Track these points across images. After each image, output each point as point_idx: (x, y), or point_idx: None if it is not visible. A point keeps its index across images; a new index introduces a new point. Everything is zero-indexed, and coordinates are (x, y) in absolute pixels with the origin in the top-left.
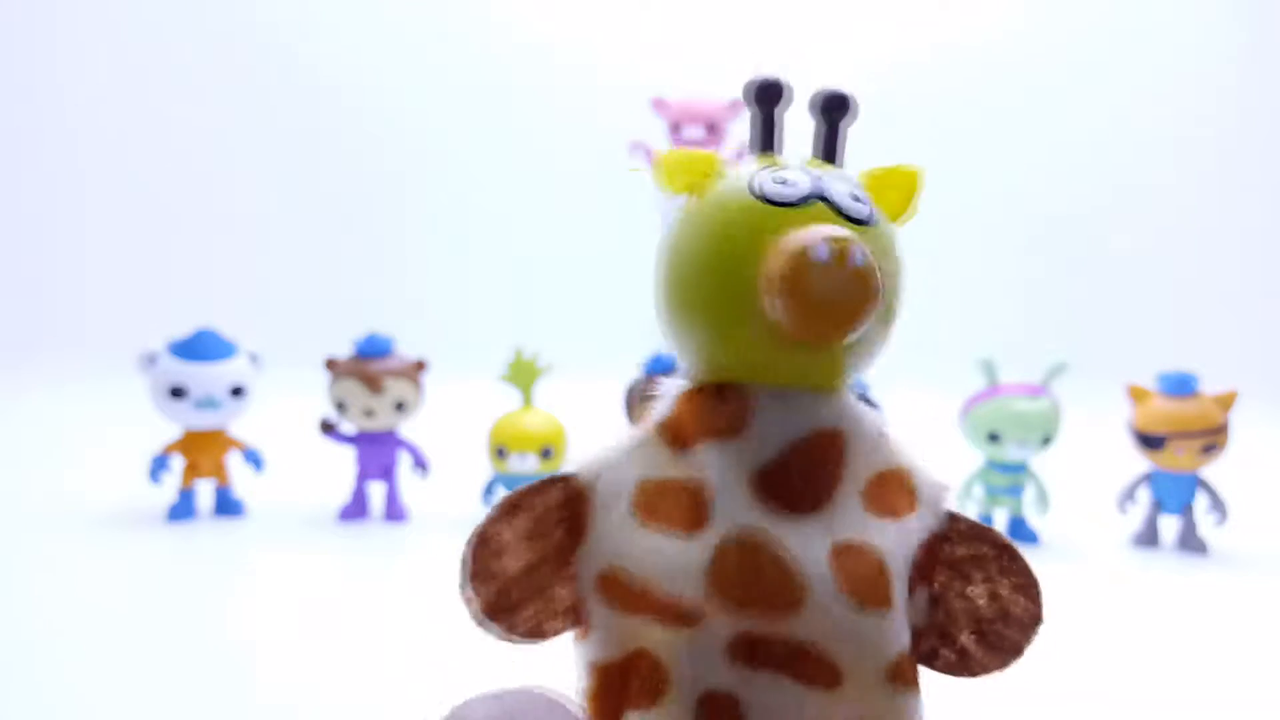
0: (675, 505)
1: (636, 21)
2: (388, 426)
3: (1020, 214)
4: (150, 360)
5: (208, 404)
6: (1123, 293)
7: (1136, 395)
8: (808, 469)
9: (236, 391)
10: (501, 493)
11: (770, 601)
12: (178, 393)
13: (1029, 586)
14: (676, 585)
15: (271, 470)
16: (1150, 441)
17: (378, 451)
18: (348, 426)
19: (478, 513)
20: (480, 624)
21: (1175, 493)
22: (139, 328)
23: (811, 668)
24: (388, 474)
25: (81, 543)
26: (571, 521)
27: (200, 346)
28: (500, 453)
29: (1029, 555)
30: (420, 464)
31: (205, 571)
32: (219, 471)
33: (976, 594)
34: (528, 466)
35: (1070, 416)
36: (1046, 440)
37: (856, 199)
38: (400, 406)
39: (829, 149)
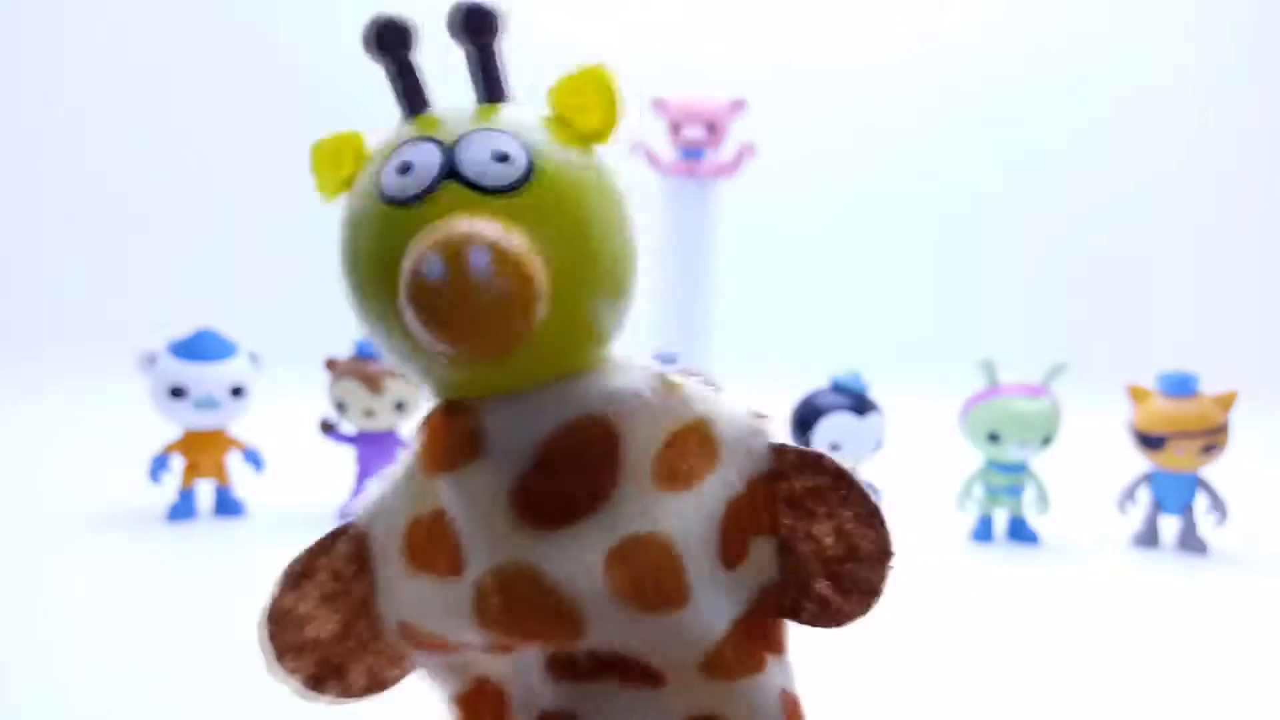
0: (436, 545)
1: (636, 22)
2: (388, 426)
3: (1020, 214)
4: (150, 360)
5: (208, 404)
6: (1123, 293)
7: (1136, 395)
8: (566, 472)
9: (236, 391)
10: None
11: (545, 630)
12: (178, 393)
13: (871, 515)
14: (455, 631)
15: (271, 470)
16: (1150, 441)
17: (378, 451)
18: (348, 426)
19: None
20: (309, 694)
21: (1175, 493)
22: (139, 328)
23: (630, 671)
24: None
25: (81, 543)
26: (363, 573)
27: (200, 346)
28: None
29: (1030, 555)
30: None
31: (205, 571)
32: (219, 471)
33: (821, 532)
34: None
35: (1070, 416)
36: (1046, 440)
37: (501, 156)
38: (400, 406)
39: (486, 82)
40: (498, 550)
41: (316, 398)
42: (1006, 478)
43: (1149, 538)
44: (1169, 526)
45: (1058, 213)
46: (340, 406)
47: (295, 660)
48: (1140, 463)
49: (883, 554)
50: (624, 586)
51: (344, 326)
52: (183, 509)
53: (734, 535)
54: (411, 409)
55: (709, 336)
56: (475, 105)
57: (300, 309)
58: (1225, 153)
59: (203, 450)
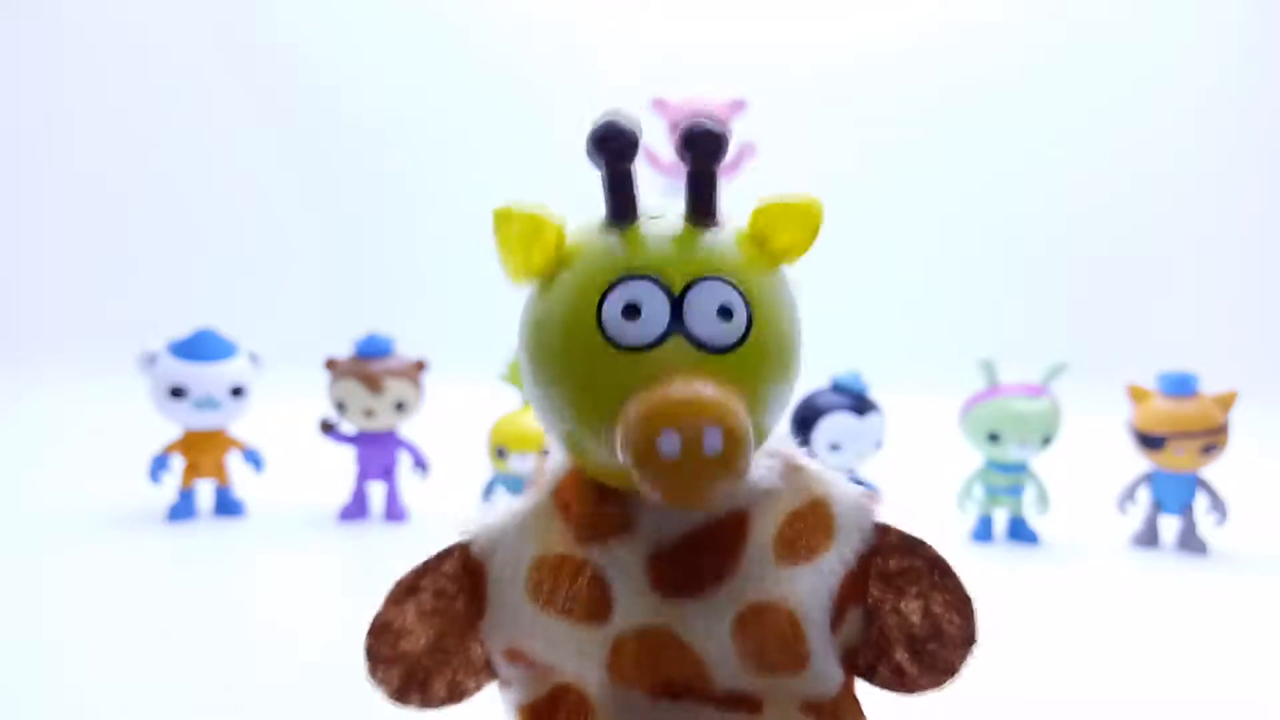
0: (573, 590)
1: (636, 21)
2: (388, 426)
3: (1020, 214)
4: (150, 360)
5: (208, 404)
6: (1123, 293)
7: (1136, 395)
8: (704, 552)
9: (236, 391)
10: (502, 493)
11: (674, 683)
12: (178, 393)
13: (962, 604)
14: (579, 669)
15: (271, 470)
16: (1150, 441)
17: (378, 451)
18: (348, 426)
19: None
20: (395, 703)
21: (1175, 493)
22: (139, 328)
23: (733, 699)
24: (388, 474)
25: (81, 543)
26: (472, 591)
27: (200, 346)
28: (500, 453)
29: (1030, 555)
30: (420, 464)
31: (205, 571)
32: (219, 471)
33: (909, 609)
34: (528, 466)
35: (1070, 416)
36: (1046, 440)
37: (726, 311)
38: (400, 406)
39: (702, 206)
40: (638, 611)
41: (316, 398)
42: (1006, 478)
43: (1149, 538)
44: (1169, 526)
45: (1057, 212)
46: (340, 406)
47: (385, 672)
48: (1140, 463)
49: (967, 639)
50: (750, 649)
51: (344, 326)
52: (183, 509)
53: (840, 604)
54: (411, 409)
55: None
56: (679, 224)
57: (300, 309)
58: (1225, 153)
59: (203, 450)
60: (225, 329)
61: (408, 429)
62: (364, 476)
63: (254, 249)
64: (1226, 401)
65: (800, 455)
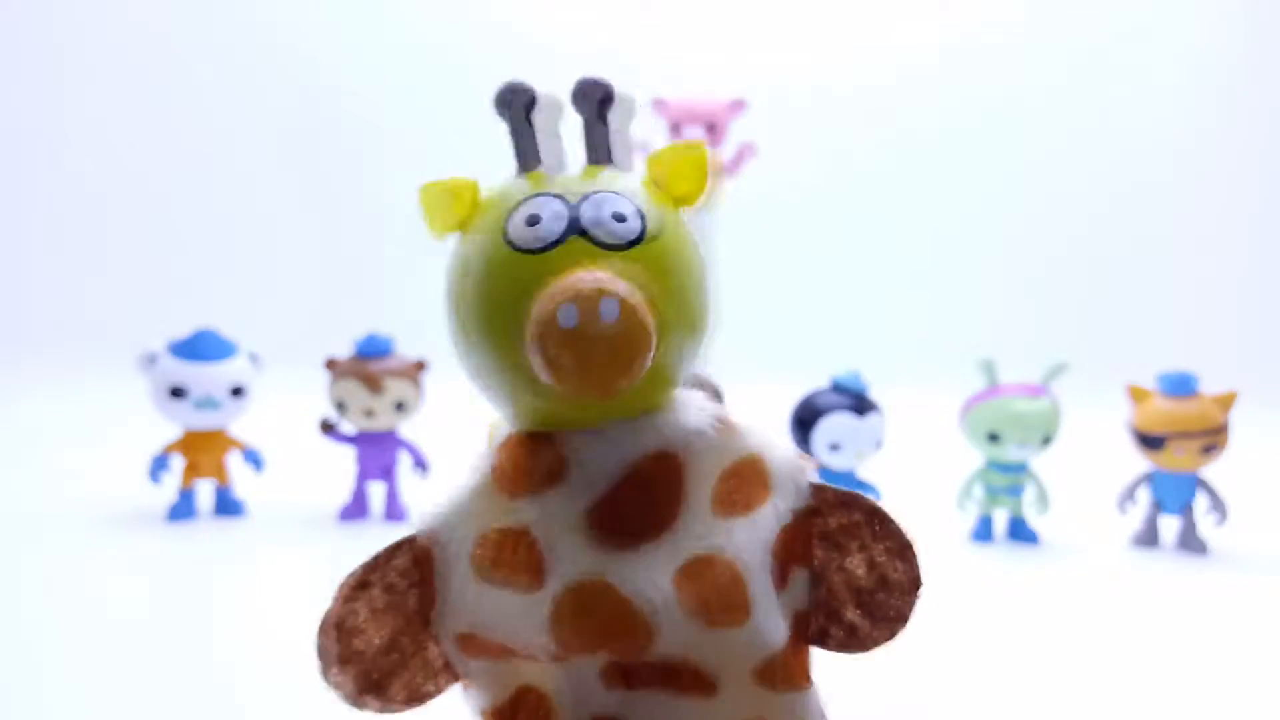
0: (513, 558)
1: (636, 21)
2: (388, 426)
3: (1020, 214)
4: (150, 360)
5: (208, 404)
6: (1123, 293)
7: (1136, 395)
8: (640, 498)
9: (236, 391)
10: None
11: (617, 641)
12: (178, 393)
13: (904, 549)
14: (527, 639)
15: (271, 470)
16: (1150, 441)
17: (378, 451)
18: (348, 426)
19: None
20: (353, 706)
21: (1175, 493)
22: (139, 328)
23: (684, 679)
24: (388, 474)
25: (81, 543)
26: (422, 585)
27: (200, 346)
28: None
29: (1030, 555)
30: (420, 464)
31: (205, 571)
32: (219, 471)
33: (854, 564)
34: None
35: (1070, 416)
36: (1046, 440)
37: (620, 217)
38: (400, 406)
39: (596, 149)
40: (576, 566)
41: (316, 398)
42: (1006, 478)
43: (1149, 538)
44: (1169, 526)
45: (1058, 213)
46: (340, 406)
47: (340, 673)
48: (1140, 463)
49: (913, 583)
50: (692, 601)
51: (344, 326)
52: (183, 509)
53: (781, 561)
54: (411, 409)
55: (712, 334)
56: (583, 167)
57: (300, 309)
58: (1225, 153)
59: (203, 450)
60: (225, 329)
61: (408, 429)
62: (364, 476)
63: (254, 249)
64: (1226, 401)
65: (733, 414)
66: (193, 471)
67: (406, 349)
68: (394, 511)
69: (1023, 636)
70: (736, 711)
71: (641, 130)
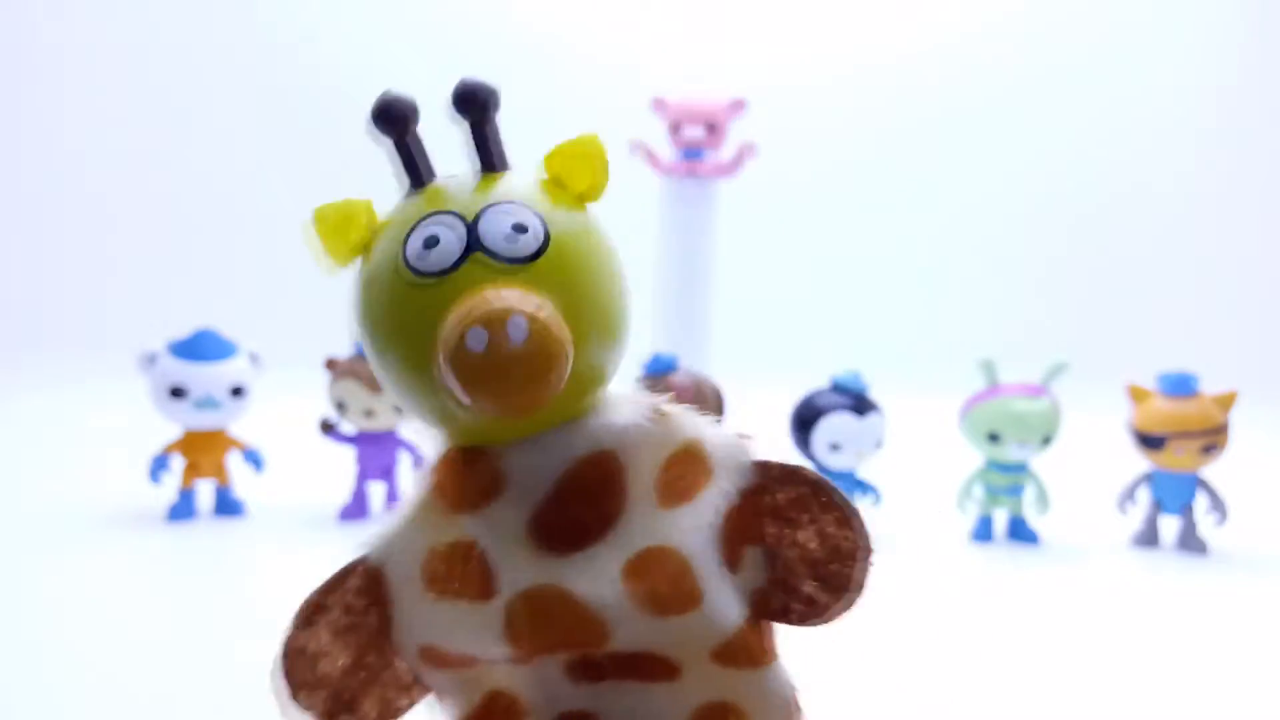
0: (463, 571)
1: (636, 21)
2: (388, 426)
3: (1020, 214)
4: (150, 360)
5: (208, 404)
6: (1123, 293)
7: (1136, 395)
8: (580, 501)
9: (236, 391)
10: None
11: (573, 640)
12: (178, 393)
13: (850, 519)
14: (485, 648)
15: (271, 470)
16: (1150, 441)
17: (378, 451)
18: (348, 426)
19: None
20: None
21: (1175, 493)
22: (139, 328)
23: (647, 667)
24: (388, 474)
25: (81, 543)
26: (379, 604)
27: (200, 346)
28: None
29: (1030, 555)
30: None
31: (205, 571)
32: (219, 471)
33: (805, 538)
34: None
35: (1070, 416)
36: (1046, 440)
37: (520, 228)
38: (400, 407)
39: (486, 154)
40: (524, 574)
41: (316, 398)
42: (1006, 478)
43: (1149, 538)
44: (1169, 526)
45: (1058, 213)
46: (340, 406)
47: (309, 698)
48: (1140, 463)
49: (864, 550)
50: (643, 595)
51: (344, 326)
52: (183, 509)
53: (731, 542)
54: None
55: (709, 336)
56: (477, 176)
57: (300, 309)
58: (1225, 153)
59: (203, 450)
60: (225, 329)
61: (408, 429)
62: (364, 476)
63: (254, 249)
64: (1226, 401)
65: (666, 403)
66: (193, 471)
67: None
68: None
69: (1023, 636)
70: (703, 691)
71: (641, 130)
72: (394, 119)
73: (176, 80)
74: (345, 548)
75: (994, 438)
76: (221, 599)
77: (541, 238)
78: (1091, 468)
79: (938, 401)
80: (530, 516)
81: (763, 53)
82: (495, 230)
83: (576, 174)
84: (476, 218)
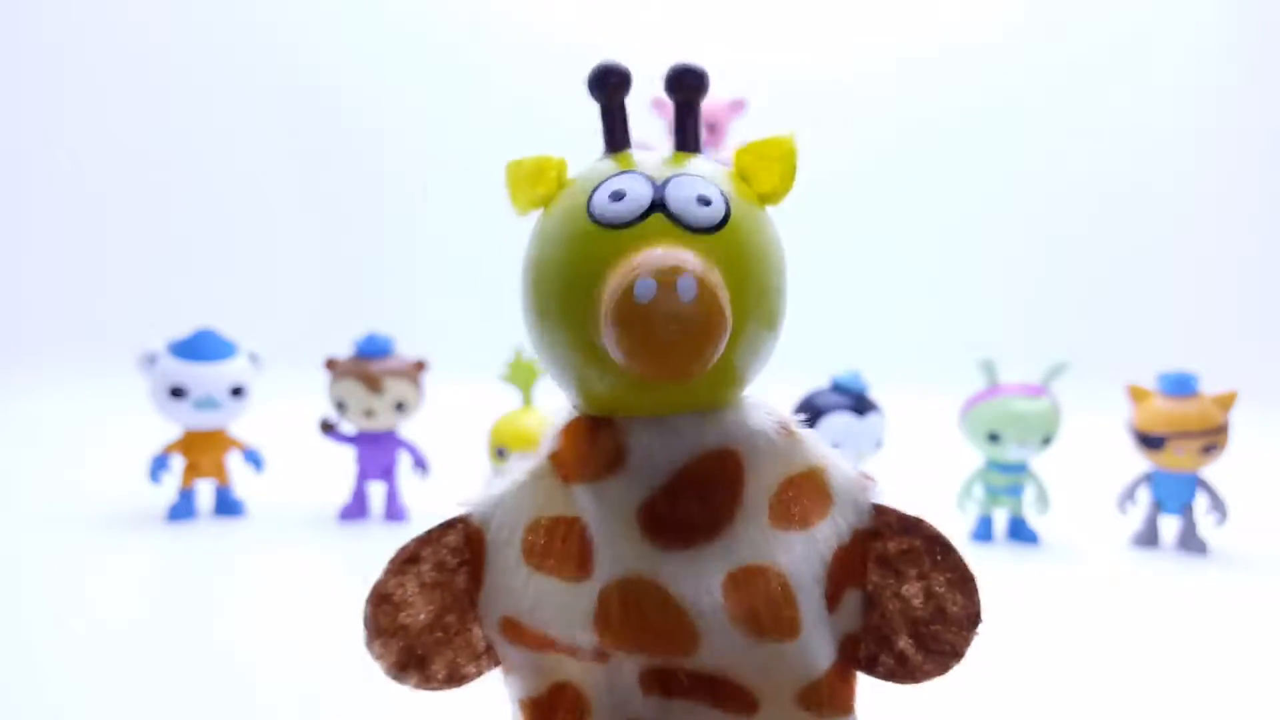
0: (564, 547)
1: (636, 21)
2: (388, 426)
3: (1020, 214)
4: (150, 360)
5: (208, 404)
6: (1123, 293)
7: (1136, 395)
8: (696, 497)
9: (236, 391)
10: None
11: (660, 643)
12: (178, 393)
13: (964, 581)
14: (570, 631)
15: (271, 470)
16: (1150, 441)
17: (378, 451)
18: (348, 426)
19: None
20: (394, 679)
21: (1175, 493)
22: (139, 328)
23: (725, 694)
24: (388, 474)
25: (81, 543)
26: (472, 564)
27: (200, 346)
28: (500, 453)
29: (1030, 555)
30: (420, 464)
31: (205, 571)
32: (219, 471)
33: (911, 593)
34: None
35: (1070, 416)
36: (1046, 440)
37: (704, 200)
38: (400, 406)
39: (684, 134)
40: (625, 561)
41: (316, 398)
42: (1006, 478)
43: (1149, 538)
44: (1169, 526)
45: (1057, 213)
46: (340, 406)
47: (384, 645)
48: (1140, 463)
49: (971, 619)
50: (741, 611)
51: (344, 326)
52: (183, 509)
53: (835, 581)
54: (411, 409)
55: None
56: (671, 152)
57: (300, 309)
58: (1225, 154)
59: (203, 450)
60: (225, 329)
61: (408, 429)
62: (364, 476)
63: (254, 249)
64: (1226, 401)
65: (798, 424)
66: (193, 471)
67: (406, 349)
68: (394, 511)
69: (1023, 636)
70: None
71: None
72: (605, 83)
73: (176, 80)
74: (345, 548)
75: (994, 438)
76: (221, 599)
77: (722, 214)
78: (1091, 468)
79: (938, 401)
80: (644, 500)
81: (763, 53)
82: (680, 195)
83: (764, 174)
84: (665, 182)
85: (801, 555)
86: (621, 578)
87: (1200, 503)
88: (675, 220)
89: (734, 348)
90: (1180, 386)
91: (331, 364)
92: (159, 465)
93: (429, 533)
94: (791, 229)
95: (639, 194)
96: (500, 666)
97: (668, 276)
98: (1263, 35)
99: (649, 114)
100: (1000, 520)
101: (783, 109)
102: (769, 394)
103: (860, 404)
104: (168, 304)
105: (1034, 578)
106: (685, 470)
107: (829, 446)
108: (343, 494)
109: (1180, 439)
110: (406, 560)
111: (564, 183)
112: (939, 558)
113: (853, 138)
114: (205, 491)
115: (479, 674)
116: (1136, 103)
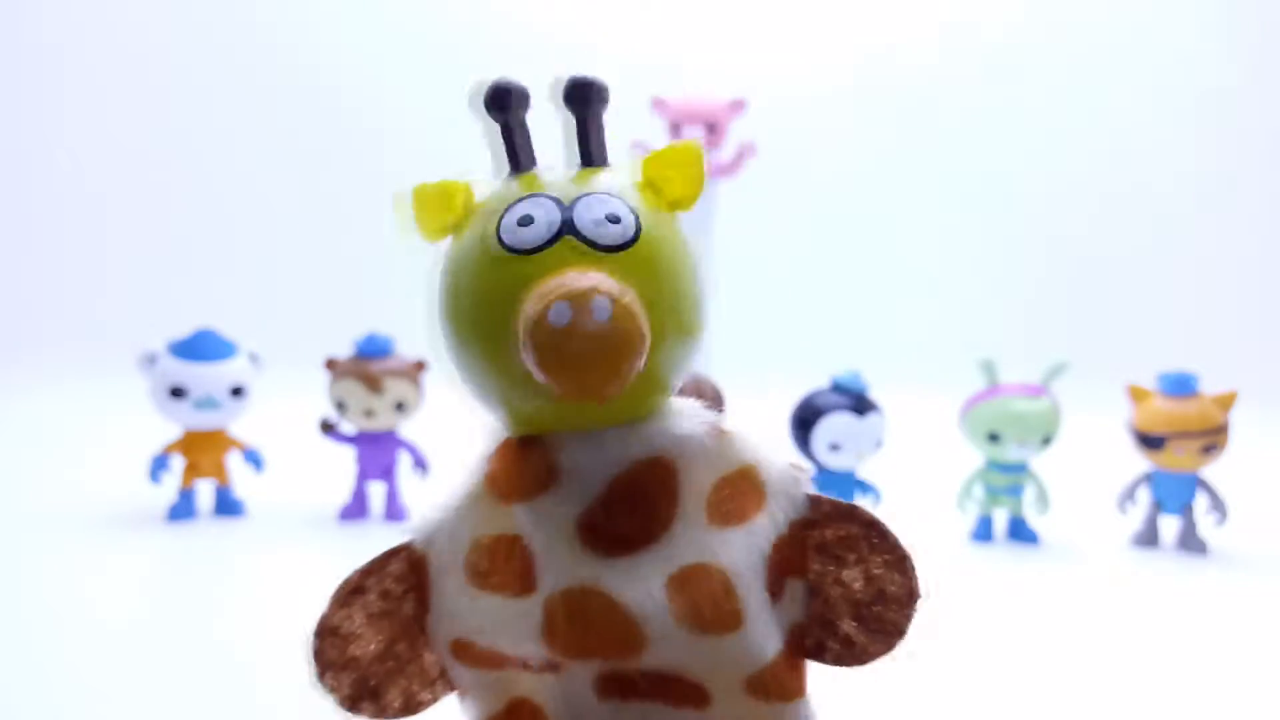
0: (507, 564)
1: (636, 21)
2: (388, 426)
3: (1020, 214)
4: (150, 360)
5: (208, 404)
6: (1123, 293)
7: (1136, 395)
8: (631, 507)
9: (236, 391)
10: None
11: (609, 648)
12: (178, 393)
13: (901, 561)
14: (520, 646)
15: (271, 470)
16: (1150, 441)
17: (378, 451)
18: (348, 426)
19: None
20: (348, 712)
21: (1175, 493)
22: (139, 328)
23: (677, 690)
24: (388, 474)
25: (81, 543)
26: (418, 591)
27: (200, 346)
28: None
29: (1030, 555)
30: (420, 464)
31: (205, 571)
32: (219, 471)
33: (851, 577)
34: None
35: (1070, 416)
36: (1046, 440)
37: (614, 218)
38: (400, 406)
39: (585, 148)
40: (568, 571)
41: (316, 398)
42: (1006, 478)
43: (1149, 538)
44: (1169, 526)
45: (1057, 213)
46: (340, 406)
47: (335, 679)
48: (1140, 463)
49: (910, 596)
50: (684, 609)
51: (344, 326)
52: (183, 509)
53: (775, 572)
54: (411, 409)
55: (709, 336)
56: (576, 169)
57: (300, 309)
58: (1224, 154)
59: (203, 450)
60: (225, 329)
61: (408, 429)
62: (364, 476)
63: (254, 249)
64: (1226, 401)
65: (728, 422)
66: (193, 471)
67: (406, 349)
68: (394, 512)
69: (1023, 637)
70: None
71: (642, 130)
72: (505, 103)
73: (176, 80)
74: (345, 548)
75: (994, 438)
76: (221, 599)
77: (632, 231)
78: (1091, 468)
79: (938, 401)
80: (580, 513)
81: (763, 53)
82: (588, 216)
83: (672, 181)
84: (572, 203)
85: (741, 550)
86: (565, 588)
87: (1200, 503)
88: (585, 241)
89: (655, 359)
90: (1180, 386)
91: (331, 364)
92: (159, 465)
93: (371, 563)
94: (792, 229)
95: (547, 218)
96: (455, 690)
97: (582, 298)
98: (1262, 35)
99: (648, 114)
100: (1000, 520)
101: (782, 109)
102: (769, 394)
103: (860, 404)
104: (168, 304)
105: (1034, 578)
106: (618, 482)
107: (759, 441)
108: (343, 494)
109: (1180, 439)
110: (351, 592)
111: (471, 208)
112: (875, 541)
113: (853, 137)
114: (205, 491)
115: (435, 700)
116: (1137, 103)
